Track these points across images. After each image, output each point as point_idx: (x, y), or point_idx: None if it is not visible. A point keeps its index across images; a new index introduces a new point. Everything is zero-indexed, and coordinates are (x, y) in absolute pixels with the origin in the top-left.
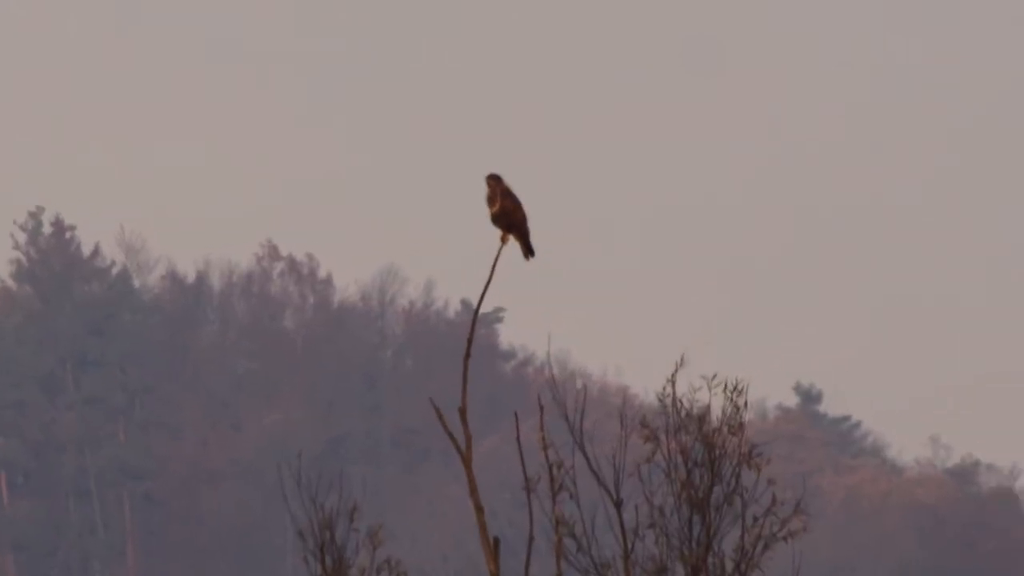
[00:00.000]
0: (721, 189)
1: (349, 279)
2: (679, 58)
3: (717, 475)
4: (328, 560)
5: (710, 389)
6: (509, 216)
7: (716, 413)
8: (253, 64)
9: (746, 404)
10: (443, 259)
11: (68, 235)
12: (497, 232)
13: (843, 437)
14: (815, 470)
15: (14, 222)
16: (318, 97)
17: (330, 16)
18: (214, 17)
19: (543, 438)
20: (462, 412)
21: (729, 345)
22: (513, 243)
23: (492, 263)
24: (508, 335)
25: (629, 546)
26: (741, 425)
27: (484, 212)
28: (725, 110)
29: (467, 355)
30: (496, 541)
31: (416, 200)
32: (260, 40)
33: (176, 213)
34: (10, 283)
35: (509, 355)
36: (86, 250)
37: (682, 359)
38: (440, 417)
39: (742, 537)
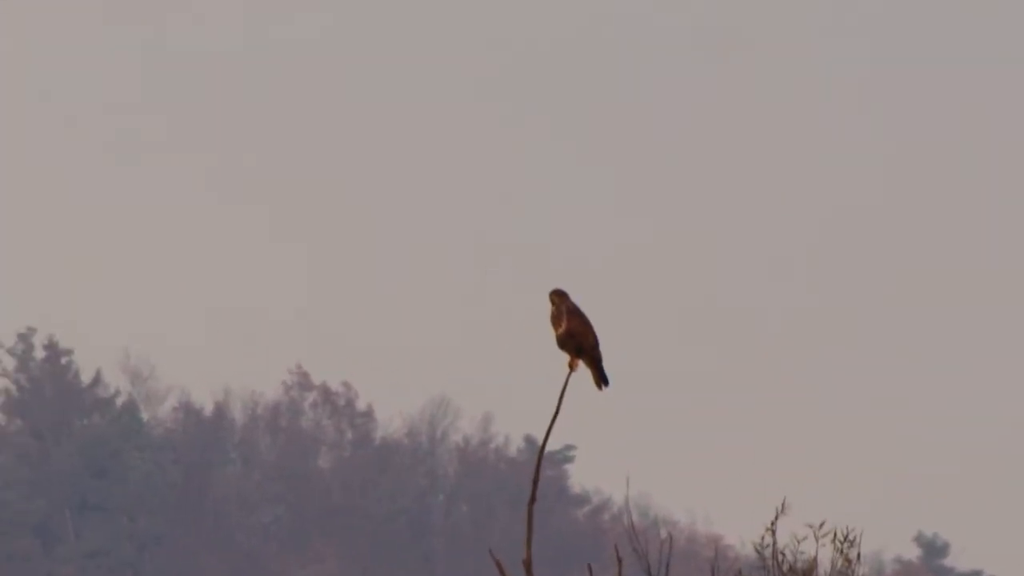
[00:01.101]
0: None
1: (393, 412)
2: None
3: None
4: None
5: (817, 539)
6: (578, 339)
7: (824, 567)
8: (271, 178)
9: (859, 557)
10: (502, 389)
11: (64, 360)
12: (564, 357)
13: None
14: None
15: (1, 345)
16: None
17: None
18: (219, 140)
19: None
20: (527, 566)
21: (837, 488)
22: (583, 370)
23: (559, 394)
24: (579, 477)
25: None
26: None
27: (549, 334)
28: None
29: (532, 499)
30: None
31: (470, 321)
32: (276, 167)
33: (189, 335)
34: None
35: (581, 500)
36: (85, 378)
37: (784, 504)
38: (501, 572)
39: None
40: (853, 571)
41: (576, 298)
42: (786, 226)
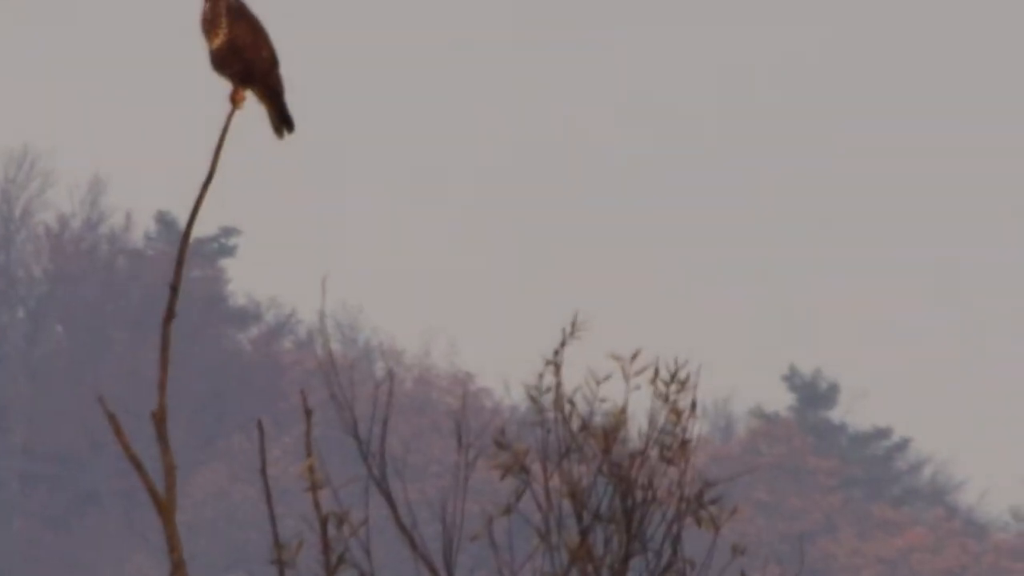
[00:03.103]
0: None
1: None
2: None
3: (638, 537)
4: None
5: (627, 379)
6: (245, 56)
7: (639, 422)
8: None
9: (694, 407)
10: (118, 137)
11: None
12: (223, 86)
13: (877, 467)
14: (820, 528)
15: None
16: None
17: None
18: None
19: (311, 470)
20: (158, 420)
21: (657, 300)
22: (253, 105)
23: (216, 145)
24: (246, 280)
25: None
26: (685, 446)
27: (200, 47)
28: None
29: (169, 315)
30: None
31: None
32: None
33: None
34: None
35: (248, 316)
36: None
37: (574, 324)
38: (117, 430)
39: None
40: (685, 428)
41: None
42: None
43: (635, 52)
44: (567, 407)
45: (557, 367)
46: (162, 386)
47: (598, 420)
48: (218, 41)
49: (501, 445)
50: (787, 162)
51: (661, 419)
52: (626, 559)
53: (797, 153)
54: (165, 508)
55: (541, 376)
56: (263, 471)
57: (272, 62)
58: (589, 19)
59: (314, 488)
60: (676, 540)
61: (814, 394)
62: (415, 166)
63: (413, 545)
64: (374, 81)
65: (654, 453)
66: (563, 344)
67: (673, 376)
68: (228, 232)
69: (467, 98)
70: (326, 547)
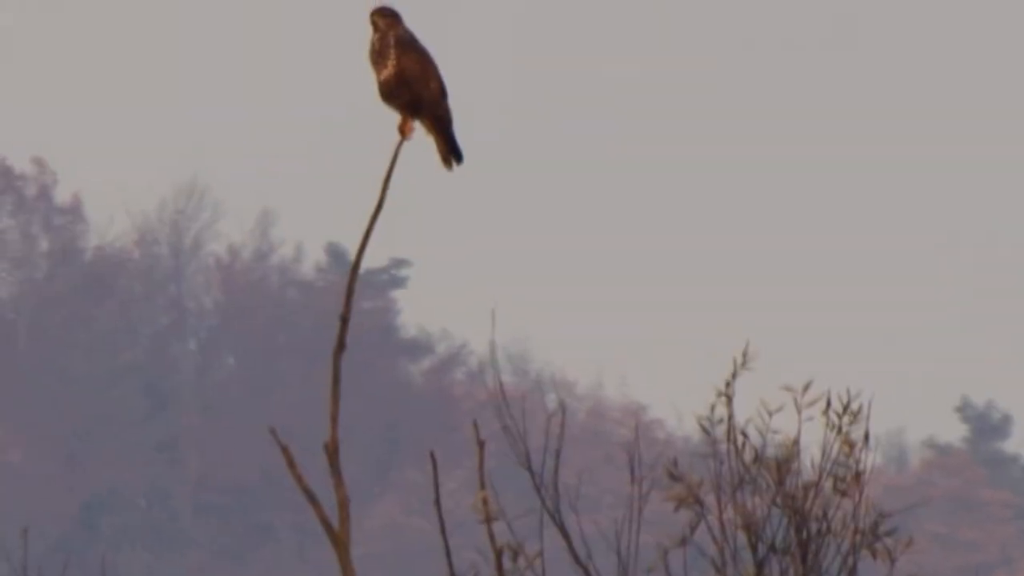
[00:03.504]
0: None
1: (114, 206)
2: None
3: (814, 569)
4: None
5: (799, 410)
6: (413, 87)
7: (812, 453)
8: None
9: (867, 437)
10: (289, 170)
11: None
12: (392, 117)
13: None
14: (997, 561)
15: None
16: None
17: None
18: None
19: (485, 502)
20: (330, 452)
21: (829, 333)
22: (421, 136)
23: (385, 176)
24: (417, 312)
25: None
26: (859, 477)
27: (368, 78)
28: None
29: (339, 347)
30: None
31: (229, 65)
32: None
33: None
34: None
35: (419, 347)
36: None
37: (745, 354)
38: (289, 462)
39: None
40: (858, 460)
41: (415, 23)
42: None
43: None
44: (739, 438)
45: (729, 398)
46: (334, 418)
47: (771, 452)
48: (386, 72)
49: (674, 476)
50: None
51: (834, 450)
52: None
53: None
54: (339, 541)
55: (713, 407)
56: (437, 503)
57: (440, 93)
58: None
59: (488, 520)
60: (852, 572)
61: (987, 425)
62: (586, 197)
63: (586, 573)
64: (539, 111)
65: (828, 484)
66: (735, 375)
67: (845, 407)
68: (398, 263)
69: (660, 136)
70: None
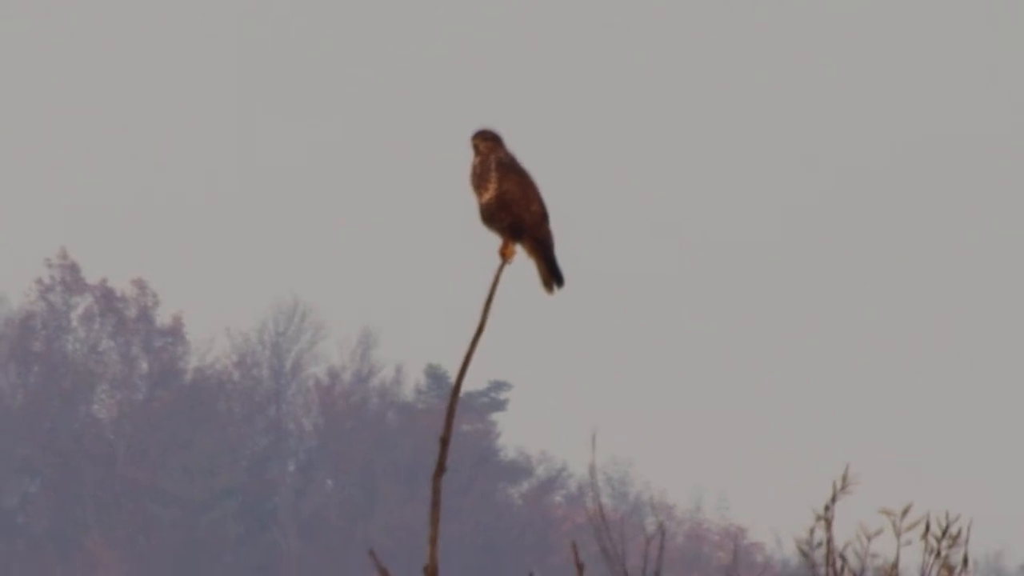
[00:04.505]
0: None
1: (215, 327)
2: None
3: None
4: None
5: (898, 534)
6: (514, 210)
7: None
8: None
9: (966, 561)
10: (389, 294)
11: None
12: (494, 240)
13: None
14: None
15: None
16: None
17: None
18: None
19: None
20: (430, 574)
21: (928, 457)
22: (523, 260)
23: (486, 298)
24: (516, 434)
25: None
26: None
27: (470, 201)
28: None
29: (440, 469)
30: None
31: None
32: None
33: None
34: None
35: (519, 470)
36: None
37: (845, 479)
38: None
39: None
40: None
41: (516, 146)
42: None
43: None
44: (839, 562)
45: (828, 522)
46: (433, 540)
47: (869, 575)
48: (488, 195)
49: None
50: None
51: (933, 574)
52: None
53: None
54: None
55: (812, 531)
56: None
57: (542, 216)
58: None
59: None
60: None
61: None
62: (682, 319)
63: None
64: (635, 232)
65: None
66: (834, 499)
67: (944, 531)
68: (498, 386)
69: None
70: None
